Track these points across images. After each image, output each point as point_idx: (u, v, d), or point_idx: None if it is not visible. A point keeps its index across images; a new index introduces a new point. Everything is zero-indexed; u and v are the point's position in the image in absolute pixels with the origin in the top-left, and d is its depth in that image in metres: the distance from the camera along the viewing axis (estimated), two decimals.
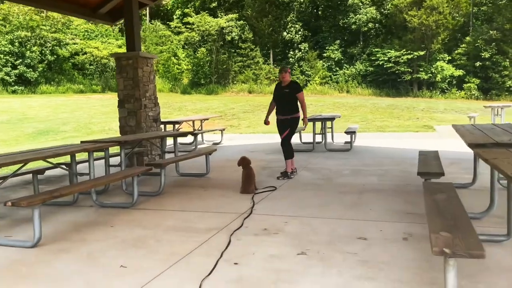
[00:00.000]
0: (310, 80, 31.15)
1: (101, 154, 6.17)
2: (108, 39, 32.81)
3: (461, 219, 2.51)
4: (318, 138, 9.84)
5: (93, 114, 19.05)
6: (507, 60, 28.20)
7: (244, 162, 5.62)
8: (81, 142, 5.67)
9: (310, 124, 8.79)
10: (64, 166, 5.50)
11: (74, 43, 30.54)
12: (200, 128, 11.81)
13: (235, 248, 3.57)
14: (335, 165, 7.43)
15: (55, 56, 29.38)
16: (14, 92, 26.90)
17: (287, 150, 6.53)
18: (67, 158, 6.08)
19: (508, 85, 27.95)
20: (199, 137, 11.05)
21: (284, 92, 6.45)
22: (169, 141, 10.57)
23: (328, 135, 9.95)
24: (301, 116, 6.60)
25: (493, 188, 3.89)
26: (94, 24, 31.59)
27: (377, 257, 3.24)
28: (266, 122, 6.86)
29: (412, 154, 8.20)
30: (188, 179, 6.72)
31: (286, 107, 6.47)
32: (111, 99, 23.07)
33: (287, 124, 6.49)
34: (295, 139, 7.90)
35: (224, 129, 11.94)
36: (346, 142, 9.88)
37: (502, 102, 23.43)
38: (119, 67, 7.94)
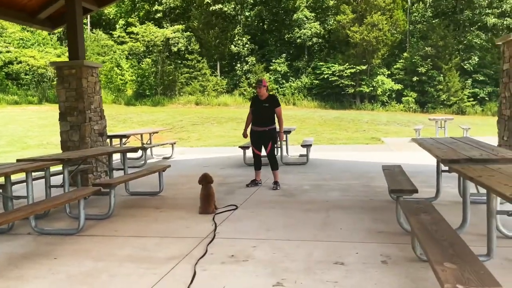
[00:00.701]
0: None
1: (41, 173, 5.52)
2: (45, 48, 30.90)
3: (459, 245, 2.33)
4: None
5: (29, 127, 17.65)
6: (441, 75, 29.96)
7: (205, 180, 5.23)
8: (17, 160, 5.01)
9: None
10: None
11: (8, 51, 28.45)
12: (149, 142, 11.20)
13: (201, 280, 3.18)
14: (294, 180, 7.22)
15: None
16: None
17: (275, 161, 6.69)
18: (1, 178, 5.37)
19: (442, 99, 29.63)
20: (148, 151, 10.44)
21: (263, 106, 6.61)
22: (116, 156, 9.90)
23: (283, 148, 9.75)
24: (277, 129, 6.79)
25: (466, 205, 3.82)
26: (31, 31, 29.67)
27: (360, 286, 2.99)
28: (245, 135, 6.80)
29: (369, 168, 8.22)
30: (140, 199, 6.20)
31: (264, 120, 6.61)
32: (49, 111, 21.55)
33: (267, 135, 6.59)
34: (249, 153, 7.68)
35: (175, 143, 11.40)
36: (301, 155, 9.76)
37: (439, 114, 24.75)
38: (61, 77, 7.27)
